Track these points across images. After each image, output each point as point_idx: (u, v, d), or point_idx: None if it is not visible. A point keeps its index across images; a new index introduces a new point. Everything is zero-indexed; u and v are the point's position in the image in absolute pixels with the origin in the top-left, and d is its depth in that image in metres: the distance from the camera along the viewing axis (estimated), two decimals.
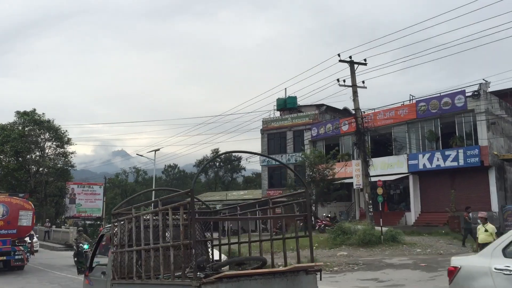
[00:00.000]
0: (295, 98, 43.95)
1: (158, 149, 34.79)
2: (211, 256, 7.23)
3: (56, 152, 46.80)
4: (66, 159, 46.42)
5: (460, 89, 27.41)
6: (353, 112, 21.75)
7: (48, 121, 46.02)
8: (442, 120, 28.82)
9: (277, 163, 42.71)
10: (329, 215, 29.08)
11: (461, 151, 27.08)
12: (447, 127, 28.68)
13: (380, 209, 27.00)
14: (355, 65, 21.73)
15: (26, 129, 45.29)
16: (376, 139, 33.33)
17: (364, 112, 33.24)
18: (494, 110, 27.37)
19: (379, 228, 20.04)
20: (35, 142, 45.32)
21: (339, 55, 21.64)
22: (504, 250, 5.41)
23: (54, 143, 46.70)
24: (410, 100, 31.07)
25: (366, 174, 22.29)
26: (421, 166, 29.23)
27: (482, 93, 26.48)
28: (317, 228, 28.55)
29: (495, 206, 26.16)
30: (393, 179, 30.89)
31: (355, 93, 21.62)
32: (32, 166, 44.73)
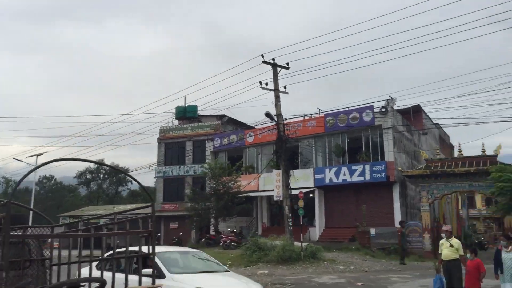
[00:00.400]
0: (195, 107, 41.91)
1: (41, 154, 30.28)
2: (48, 278, 6.42)
3: None
4: None
5: (368, 104, 27.66)
6: (275, 118, 20.30)
7: None
8: (349, 135, 28.87)
9: (174, 174, 40.22)
10: (235, 230, 27.35)
11: (367, 166, 27.19)
12: (355, 141, 28.77)
13: (290, 223, 25.81)
14: (278, 68, 20.51)
15: None
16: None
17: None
18: (398, 127, 28.01)
19: (299, 244, 18.73)
20: None
21: (262, 55, 20.23)
22: None
23: None
24: (318, 113, 30.79)
25: (286, 185, 20.97)
26: (327, 181, 28.87)
27: (390, 109, 26.93)
28: (221, 244, 26.63)
29: (398, 222, 26.49)
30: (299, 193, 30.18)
31: (277, 98, 20.32)
32: None
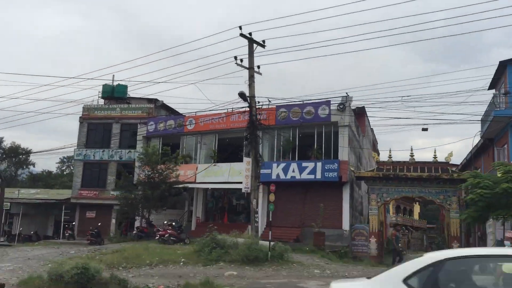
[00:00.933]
0: (125, 86, 38.22)
1: None
2: None
3: None
4: None
5: (325, 99, 26.41)
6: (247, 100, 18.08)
7: None
8: (301, 130, 27.41)
9: (96, 158, 36.37)
10: (173, 223, 24.65)
11: (319, 164, 25.88)
12: (306, 138, 27.37)
13: (256, 219, 23.84)
14: (254, 45, 18.36)
15: None
16: (227, 142, 30.40)
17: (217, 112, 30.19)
18: (352, 125, 27.11)
19: (264, 243, 16.72)
20: None
21: (240, 27, 17.96)
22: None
23: None
24: (268, 104, 28.97)
25: (256, 176, 18.83)
26: (274, 176, 27.10)
27: (347, 106, 25.89)
28: (156, 238, 23.80)
29: (346, 224, 25.53)
30: (240, 187, 28.21)
31: (251, 77, 18.17)
32: None
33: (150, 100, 37.65)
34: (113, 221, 35.51)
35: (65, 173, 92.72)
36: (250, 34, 18.21)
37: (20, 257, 22.50)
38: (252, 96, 18.35)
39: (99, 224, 33.46)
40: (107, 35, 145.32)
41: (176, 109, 38.38)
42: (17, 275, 15.22)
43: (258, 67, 18.80)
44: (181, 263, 15.96)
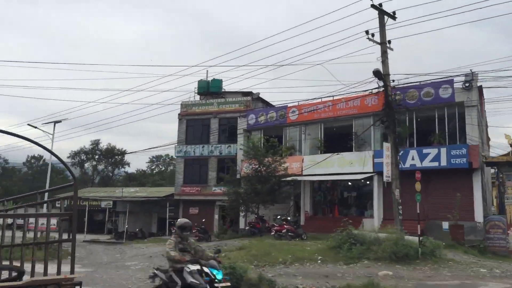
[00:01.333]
0: (220, 81, 37.80)
1: (60, 121, 25.82)
2: None
3: None
4: None
5: (447, 78, 23.85)
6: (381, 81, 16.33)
7: None
8: (419, 113, 25.05)
9: (196, 154, 36.19)
10: (288, 218, 23.46)
11: (443, 149, 23.43)
12: (426, 121, 24.99)
13: (400, 212, 22.07)
14: (385, 17, 16.60)
15: None
16: (334, 131, 28.76)
17: (321, 99, 28.62)
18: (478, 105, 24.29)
19: (410, 238, 14.93)
20: None
21: None
22: None
23: None
24: (378, 88, 26.86)
25: (396, 164, 17.09)
26: None
27: (474, 84, 23.17)
28: (273, 234, 22.72)
29: (479, 216, 22.87)
30: (355, 179, 26.45)
31: (384, 53, 16.43)
32: None
33: (245, 94, 36.84)
34: (216, 217, 35.19)
35: (154, 171, 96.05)
36: (380, 5, 16.38)
37: (139, 254, 22.41)
38: (386, 74, 16.54)
39: (203, 220, 33.23)
40: (183, 37, 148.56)
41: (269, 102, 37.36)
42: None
43: (389, 41, 16.90)
44: (319, 261, 14.59)
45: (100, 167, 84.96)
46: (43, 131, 26.92)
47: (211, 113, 36.15)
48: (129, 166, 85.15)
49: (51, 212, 5.29)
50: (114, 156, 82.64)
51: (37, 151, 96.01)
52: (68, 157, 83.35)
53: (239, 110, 34.60)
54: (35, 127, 26.98)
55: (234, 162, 33.12)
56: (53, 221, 29.33)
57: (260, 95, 36.98)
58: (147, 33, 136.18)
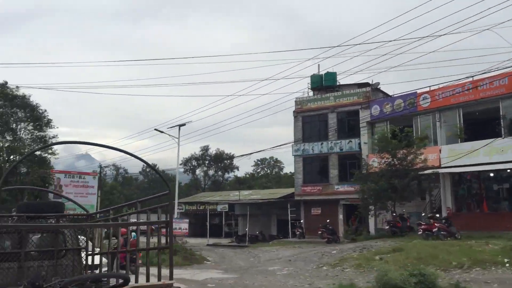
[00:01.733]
0: (334, 74, 35.86)
1: (184, 124, 26.03)
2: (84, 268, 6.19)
3: (33, 136, 37.00)
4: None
5: None
6: None
7: (23, 96, 36.28)
8: None
9: (315, 152, 34.59)
10: (436, 215, 20.96)
11: None
12: None
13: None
14: None
15: None
16: (476, 116, 25.58)
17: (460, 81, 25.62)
18: None
19: None
20: (5, 123, 35.54)
21: None
22: None
23: (31, 124, 36.93)
24: None
25: None
26: None
27: None
28: (420, 233, 20.34)
29: None
30: (507, 168, 23.12)
31: None
32: (2, 153, 34.95)
33: (360, 85, 34.55)
34: (341, 217, 33.30)
35: (260, 174, 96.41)
36: None
37: (273, 258, 21.30)
38: None
39: (328, 220, 31.56)
40: (276, 42, 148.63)
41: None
42: (306, 282, 13.30)
43: None
44: (507, 265, 12.18)
45: (211, 172, 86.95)
46: (169, 135, 27.18)
47: (327, 108, 34.39)
48: (238, 170, 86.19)
49: (150, 221, 5.58)
50: (223, 161, 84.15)
51: (151, 160, 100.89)
52: (180, 164, 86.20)
53: (359, 102, 32.47)
54: (161, 132, 27.33)
55: (357, 158, 31.08)
56: (179, 225, 29.62)
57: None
58: (241, 40, 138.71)
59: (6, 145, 35.93)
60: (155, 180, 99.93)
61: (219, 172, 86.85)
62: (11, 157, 35.70)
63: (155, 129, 27.28)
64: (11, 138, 36.45)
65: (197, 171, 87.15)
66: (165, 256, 6.55)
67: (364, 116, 30.56)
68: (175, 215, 27.84)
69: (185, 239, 22.92)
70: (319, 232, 30.65)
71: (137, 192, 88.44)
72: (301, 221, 34.32)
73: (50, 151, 36.74)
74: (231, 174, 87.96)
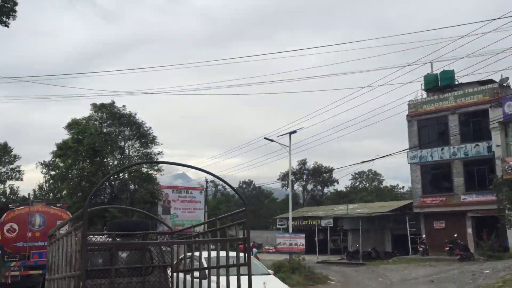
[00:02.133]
0: (451, 72, 32.24)
1: (295, 131, 24.45)
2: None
3: (139, 153, 37.48)
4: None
5: None
6: None
7: (130, 115, 36.95)
8: None
9: (435, 158, 31.12)
10: None
11: None
12: None
13: None
14: None
15: (104, 124, 36.54)
16: None
17: None
18: None
19: None
20: (114, 140, 36.34)
21: None
22: None
23: (137, 142, 37.49)
24: None
25: None
26: None
27: None
28: None
29: None
30: None
31: None
32: (111, 170, 35.62)
33: (483, 83, 30.60)
34: (469, 230, 29.38)
35: (359, 188, 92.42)
36: None
37: (407, 278, 18.53)
38: None
39: (455, 235, 27.94)
40: (366, 53, 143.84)
41: None
42: None
43: None
44: None
45: (309, 186, 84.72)
46: (279, 143, 25.66)
47: (447, 109, 30.86)
48: (338, 184, 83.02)
49: (227, 238, 5.72)
50: (321, 174, 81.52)
51: (247, 176, 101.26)
52: (278, 179, 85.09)
53: (485, 100, 28.69)
54: (272, 140, 25.87)
55: (486, 163, 27.33)
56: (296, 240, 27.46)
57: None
58: (330, 55, 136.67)
59: (115, 163, 36.70)
60: (251, 196, 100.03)
61: (318, 186, 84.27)
62: (120, 175, 36.37)
63: (265, 138, 25.90)
64: (120, 156, 37.22)
65: (295, 186, 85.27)
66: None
67: (496, 116, 26.72)
68: (290, 230, 25.93)
69: (303, 256, 20.94)
70: (447, 248, 27.19)
71: (234, 209, 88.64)
72: (423, 236, 30.84)
73: (156, 168, 36.97)
74: (331, 188, 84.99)
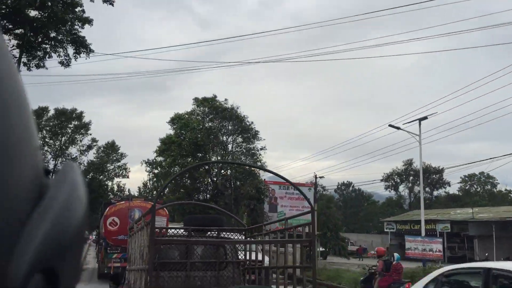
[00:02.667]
0: None
1: (426, 117, 21.08)
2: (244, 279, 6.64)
3: (241, 148, 35.85)
4: (255, 157, 34.88)
5: None
6: None
7: (232, 108, 35.46)
8: None
9: None
10: None
11: None
12: None
13: None
14: None
15: (206, 119, 35.45)
16: None
17: None
18: None
19: None
20: (215, 135, 35.06)
21: None
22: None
23: (239, 137, 35.88)
24: None
25: None
26: None
27: None
28: None
29: None
30: None
31: None
32: (215, 167, 34.37)
33: None
34: None
35: (471, 191, 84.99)
36: None
37: None
38: None
39: None
40: (467, 49, 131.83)
41: None
42: None
43: None
44: None
45: (417, 188, 78.54)
46: (408, 132, 22.34)
47: None
48: (449, 186, 76.08)
49: (291, 239, 5.87)
50: (431, 175, 75.13)
51: (347, 178, 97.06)
52: (381, 180, 79.87)
53: None
54: (398, 128, 22.61)
55: None
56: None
57: None
58: (423, 55, 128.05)
59: (218, 158, 35.45)
60: (349, 198, 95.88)
61: (427, 189, 77.79)
62: (222, 171, 35.03)
63: (390, 125, 22.63)
64: (222, 152, 35.88)
65: (400, 188, 79.53)
66: None
67: None
68: (423, 233, 22.46)
69: (441, 264, 17.56)
70: None
71: (334, 210, 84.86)
72: None
73: (259, 163, 35.04)
74: (441, 191, 78.03)
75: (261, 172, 35.37)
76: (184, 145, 32.17)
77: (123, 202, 16.28)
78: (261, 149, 35.05)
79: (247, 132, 35.22)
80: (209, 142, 33.85)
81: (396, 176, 79.16)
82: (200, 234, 6.70)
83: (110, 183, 59.07)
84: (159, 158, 36.96)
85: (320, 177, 31.45)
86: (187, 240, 6.36)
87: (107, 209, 16.20)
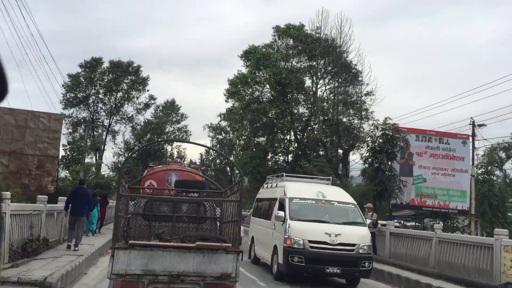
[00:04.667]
0: None
1: None
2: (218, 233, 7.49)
3: (341, 94, 26.35)
4: (357, 105, 25.24)
5: None
6: None
7: (326, 40, 25.90)
8: None
9: None
10: None
11: None
12: None
13: None
14: None
15: (290, 52, 26.30)
16: None
17: None
18: None
19: None
20: (301, 71, 25.84)
21: None
22: None
23: (334, 80, 26.45)
24: None
25: None
26: None
27: None
28: None
29: None
30: None
31: None
32: (298, 110, 25.24)
33: None
34: None
35: None
36: None
37: None
38: None
39: None
40: None
41: None
42: None
43: None
44: None
45: None
46: None
47: None
48: None
49: (225, 198, 8.05)
50: None
51: None
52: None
53: None
54: None
55: None
56: None
57: None
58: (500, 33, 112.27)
59: (303, 111, 26.35)
60: None
61: None
62: (312, 118, 25.89)
63: None
64: (311, 100, 26.70)
65: None
66: None
67: None
68: None
69: None
70: None
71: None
72: None
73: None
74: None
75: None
76: (263, 82, 23.40)
77: (161, 166, 16.61)
78: (365, 94, 25.31)
79: (348, 72, 25.61)
80: (295, 82, 24.77)
81: None
82: (184, 195, 8.04)
83: (169, 148, 51.82)
84: (224, 123, 28.64)
85: (480, 125, 21.19)
86: (150, 196, 8.80)
87: (145, 171, 17.20)
